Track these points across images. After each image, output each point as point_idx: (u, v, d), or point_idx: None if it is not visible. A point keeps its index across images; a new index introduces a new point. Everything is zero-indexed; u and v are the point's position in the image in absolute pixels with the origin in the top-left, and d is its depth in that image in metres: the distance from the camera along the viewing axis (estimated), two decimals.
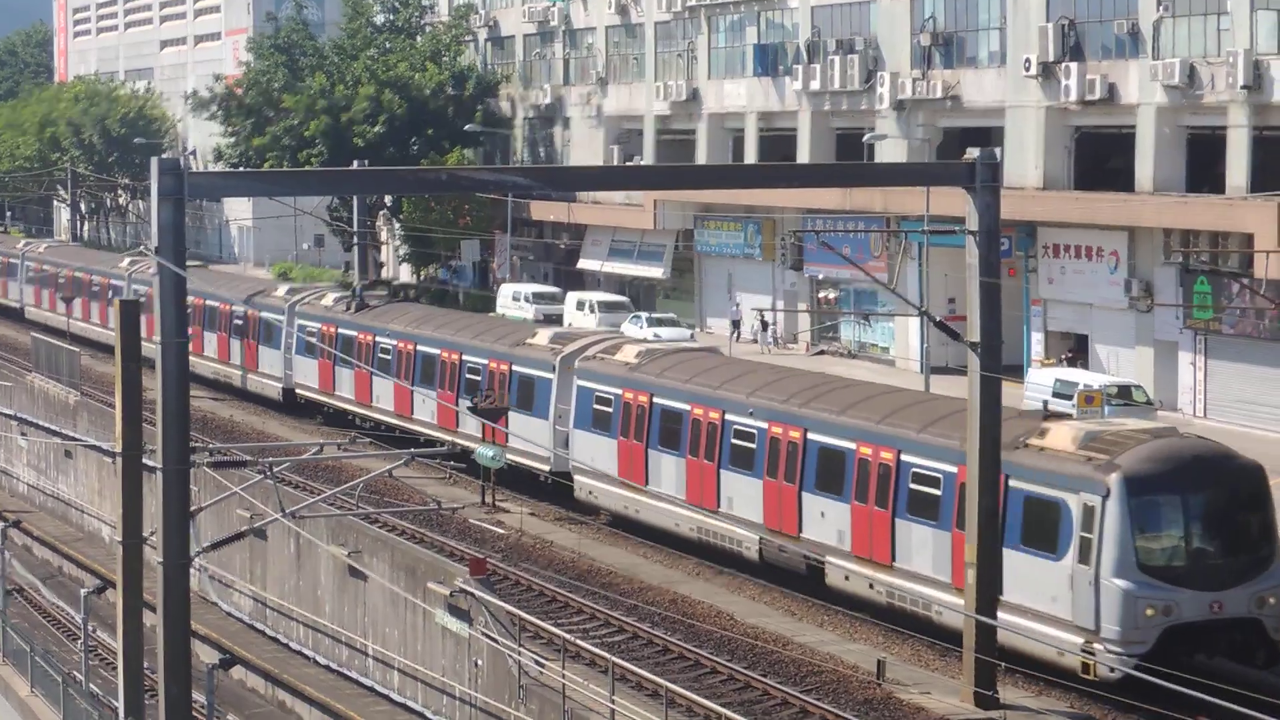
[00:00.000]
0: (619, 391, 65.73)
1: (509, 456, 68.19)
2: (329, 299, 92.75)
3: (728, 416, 60.59)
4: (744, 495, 59.25)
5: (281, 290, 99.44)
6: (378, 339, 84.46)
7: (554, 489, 69.81)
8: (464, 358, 76.97)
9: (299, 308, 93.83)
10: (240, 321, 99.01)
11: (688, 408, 62.42)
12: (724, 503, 60.28)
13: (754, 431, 58.97)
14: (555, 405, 69.47)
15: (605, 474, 65.53)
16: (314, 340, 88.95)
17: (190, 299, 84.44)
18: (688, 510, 61.80)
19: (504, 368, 73.82)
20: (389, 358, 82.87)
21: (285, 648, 60.66)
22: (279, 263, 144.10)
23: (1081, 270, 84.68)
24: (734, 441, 60.09)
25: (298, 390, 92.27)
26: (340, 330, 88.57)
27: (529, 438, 68.87)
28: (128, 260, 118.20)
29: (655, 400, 64.27)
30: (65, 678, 53.35)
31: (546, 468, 69.49)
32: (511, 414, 70.34)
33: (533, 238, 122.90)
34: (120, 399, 42.22)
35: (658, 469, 63.72)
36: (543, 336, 74.23)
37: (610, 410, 66.28)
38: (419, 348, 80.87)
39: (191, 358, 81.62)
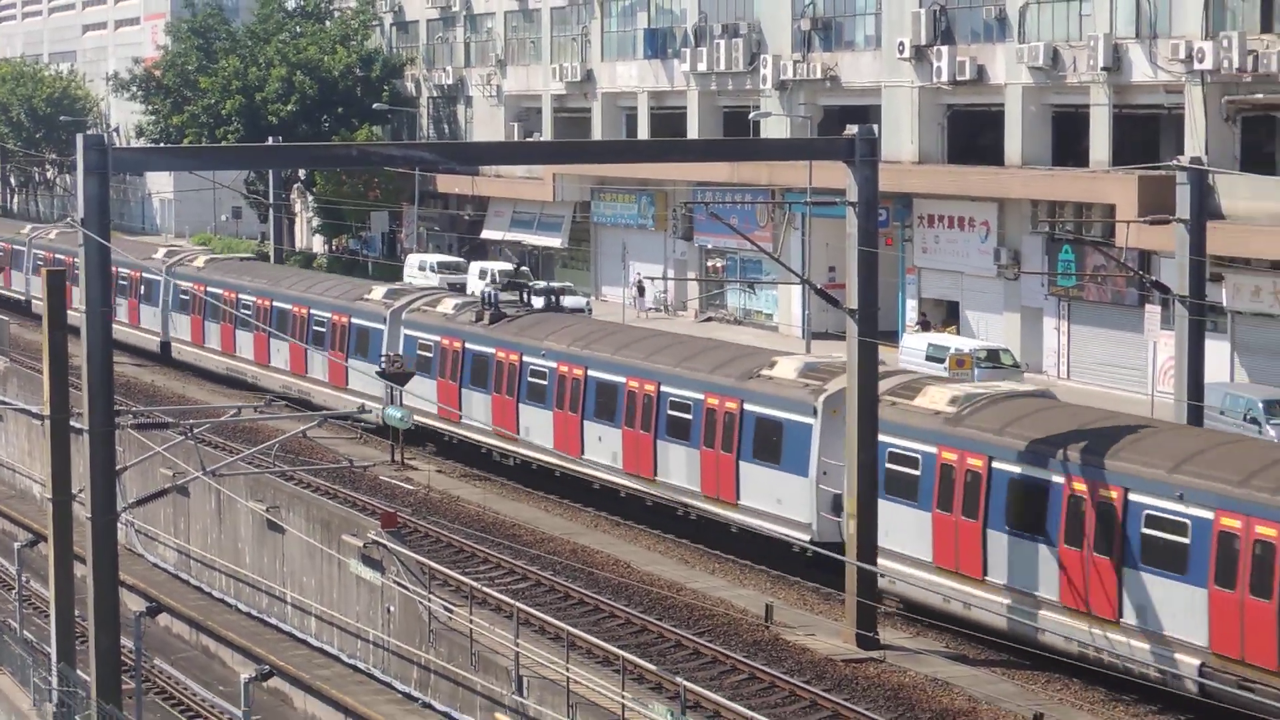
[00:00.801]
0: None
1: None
2: (447, 305, 73.41)
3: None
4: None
5: (379, 292, 78.75)
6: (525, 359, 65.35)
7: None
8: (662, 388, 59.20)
9: (405, 315, 74.36)
10: (322, 329, 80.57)
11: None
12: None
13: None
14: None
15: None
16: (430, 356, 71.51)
17: (253, 298, 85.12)
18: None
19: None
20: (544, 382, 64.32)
21: (209, 596, 60.50)
22: (199, 234, 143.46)
23: (954, 240, 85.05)
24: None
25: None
26: (469, 346, 69.21)
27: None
28: (29, 229, 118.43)
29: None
30: (1, 625, 53.18)
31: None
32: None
33: (438, 210, 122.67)
34: (48, 365, 42.14)
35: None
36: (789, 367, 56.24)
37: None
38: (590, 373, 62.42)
39: (256, 369, 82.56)
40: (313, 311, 79.94)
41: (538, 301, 74.99)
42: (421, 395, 68.24)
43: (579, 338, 63.91)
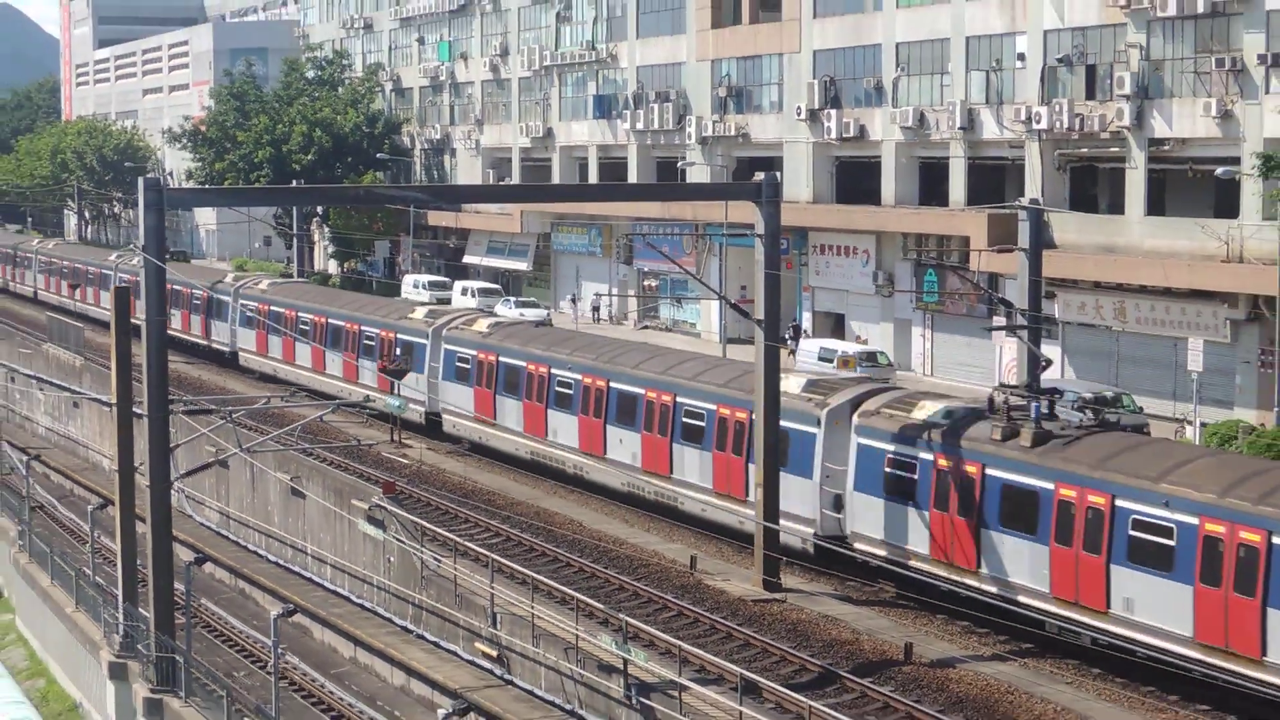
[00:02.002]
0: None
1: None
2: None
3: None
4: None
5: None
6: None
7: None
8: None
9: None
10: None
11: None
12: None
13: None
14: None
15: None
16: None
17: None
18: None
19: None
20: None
21: (244, 549, 60.47)
22: (236, 258, 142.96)
23: (841, 265, 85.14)
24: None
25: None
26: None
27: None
28: (115, 255, 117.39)
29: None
30: (77, 572, 53.03)
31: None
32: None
33: (429, 239, 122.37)
34: (115, 363, 42.03)
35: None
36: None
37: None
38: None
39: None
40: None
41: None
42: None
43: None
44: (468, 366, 66.74)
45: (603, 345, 62.96)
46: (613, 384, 57.39)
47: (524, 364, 62.73)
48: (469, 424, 66.64)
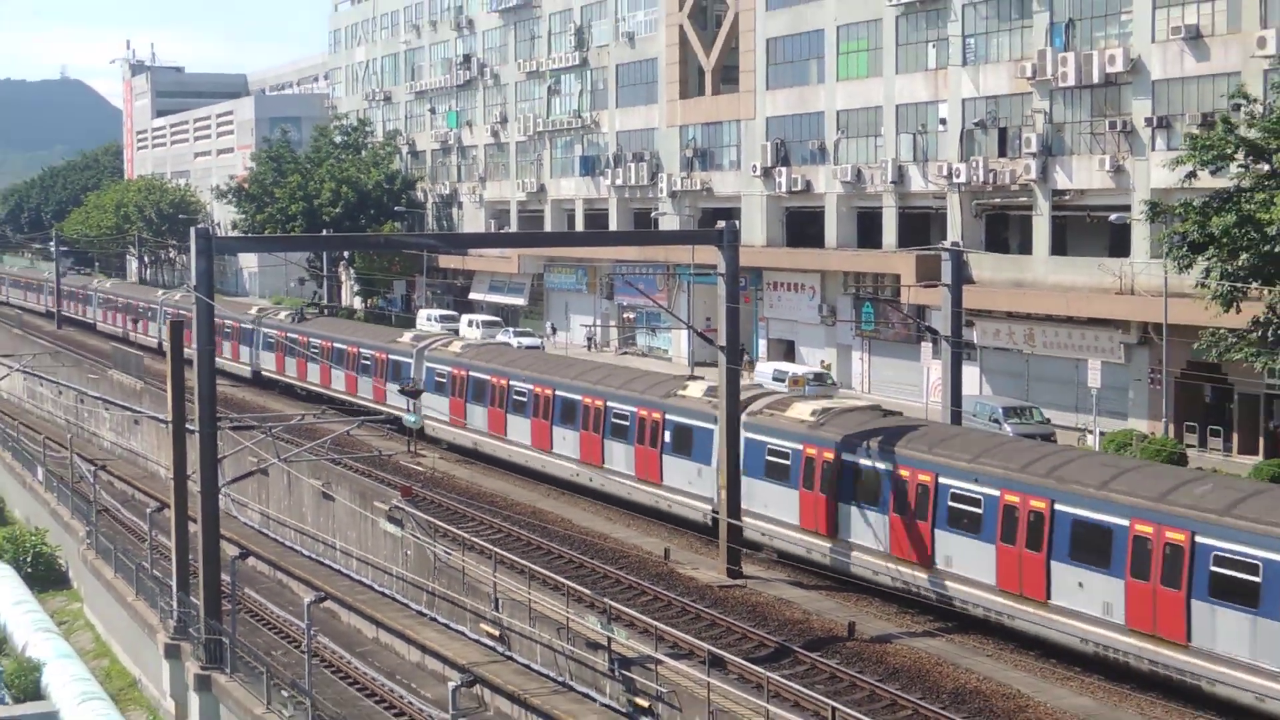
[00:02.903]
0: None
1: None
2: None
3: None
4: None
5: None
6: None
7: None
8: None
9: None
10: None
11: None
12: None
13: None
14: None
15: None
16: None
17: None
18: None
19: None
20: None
21: (282, 545, 60.15)
22: (274, 295, 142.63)
23: (791, 299, 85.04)
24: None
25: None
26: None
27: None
28: (161, 293, 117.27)
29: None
30: (137, 566, 52.65)
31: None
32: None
33: (440, 279, 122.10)
34: (170, 386, 41.72)
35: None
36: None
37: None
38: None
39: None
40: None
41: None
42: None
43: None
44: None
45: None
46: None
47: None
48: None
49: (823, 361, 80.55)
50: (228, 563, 44.20)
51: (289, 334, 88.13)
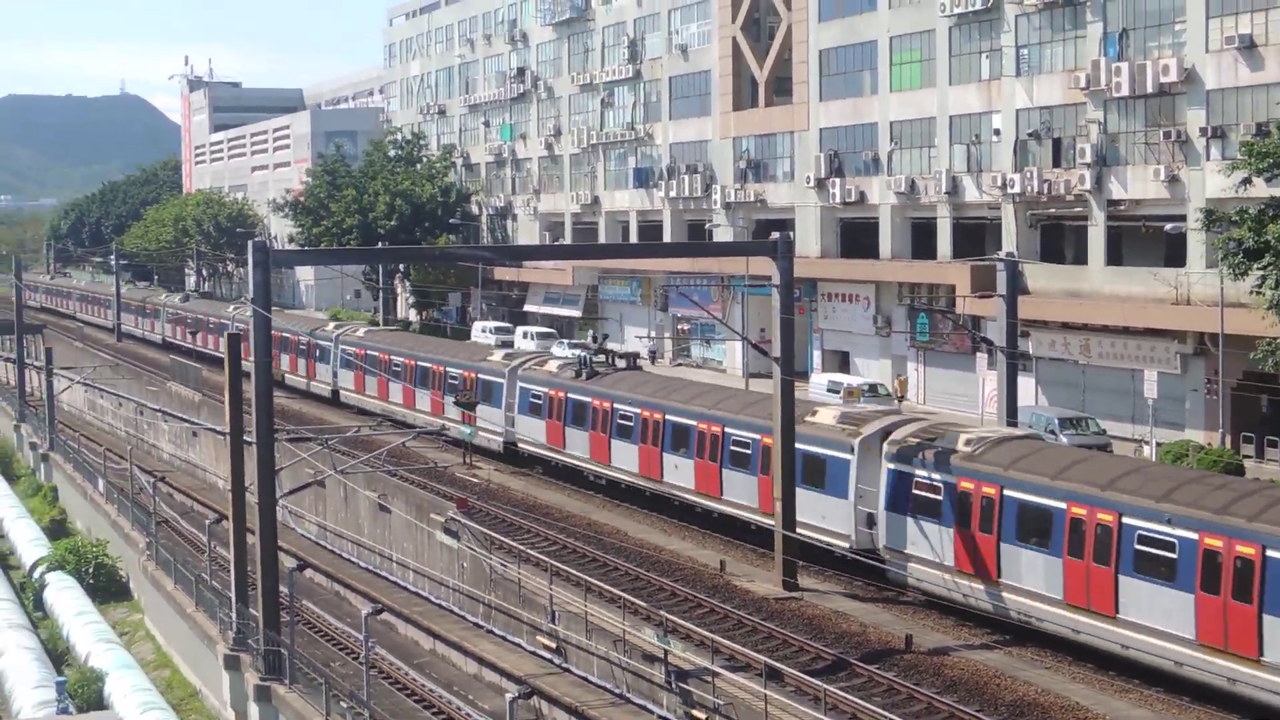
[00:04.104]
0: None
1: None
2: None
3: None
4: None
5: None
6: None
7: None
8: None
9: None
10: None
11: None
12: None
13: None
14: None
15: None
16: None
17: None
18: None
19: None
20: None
21: (339, 557, 60.24)
22: (331, 308, 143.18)
23: (845, 310, 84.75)
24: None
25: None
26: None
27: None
28: (233, 308, 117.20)
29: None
30: (196, 577, 52.84)
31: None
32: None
33: (495, 291, 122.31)
34: (228, 398, 41.84)
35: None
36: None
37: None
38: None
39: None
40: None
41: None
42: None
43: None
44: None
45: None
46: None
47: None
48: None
49: (898, 378, 79.55)
50: (286, 574, 44.27)
51: (369, 351, 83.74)
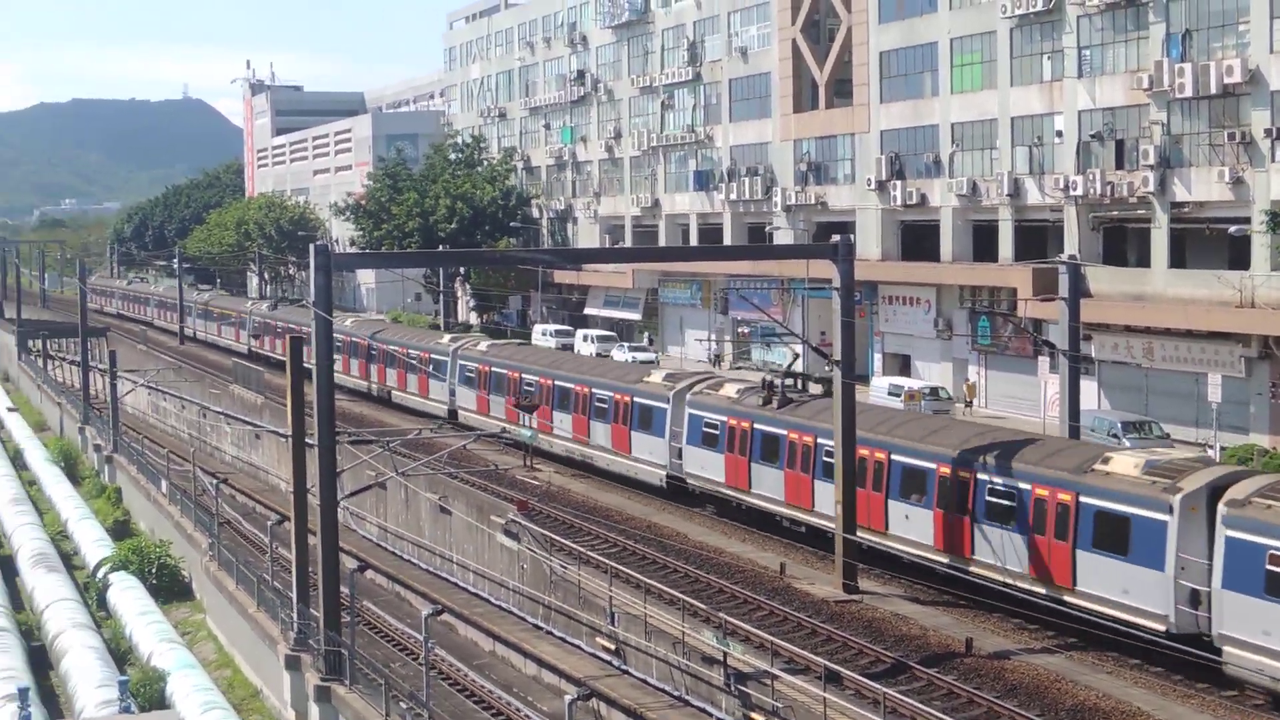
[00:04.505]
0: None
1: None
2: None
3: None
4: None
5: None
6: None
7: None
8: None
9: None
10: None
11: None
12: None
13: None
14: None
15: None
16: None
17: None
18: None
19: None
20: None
21: (399, 558, 60.41)
22: (391, 311, 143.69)
23: (906, 313, 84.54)
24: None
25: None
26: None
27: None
28: (250, 303, 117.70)
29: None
30: (258, 578, 53.08)
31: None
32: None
33: (555, 294, 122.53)
34: (290, 401, 42.05)
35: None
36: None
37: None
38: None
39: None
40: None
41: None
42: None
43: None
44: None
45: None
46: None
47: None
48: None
49: (967, 382, 79.12)
50: (347, 575, 44.43)
51: (494, 368, 75.22)
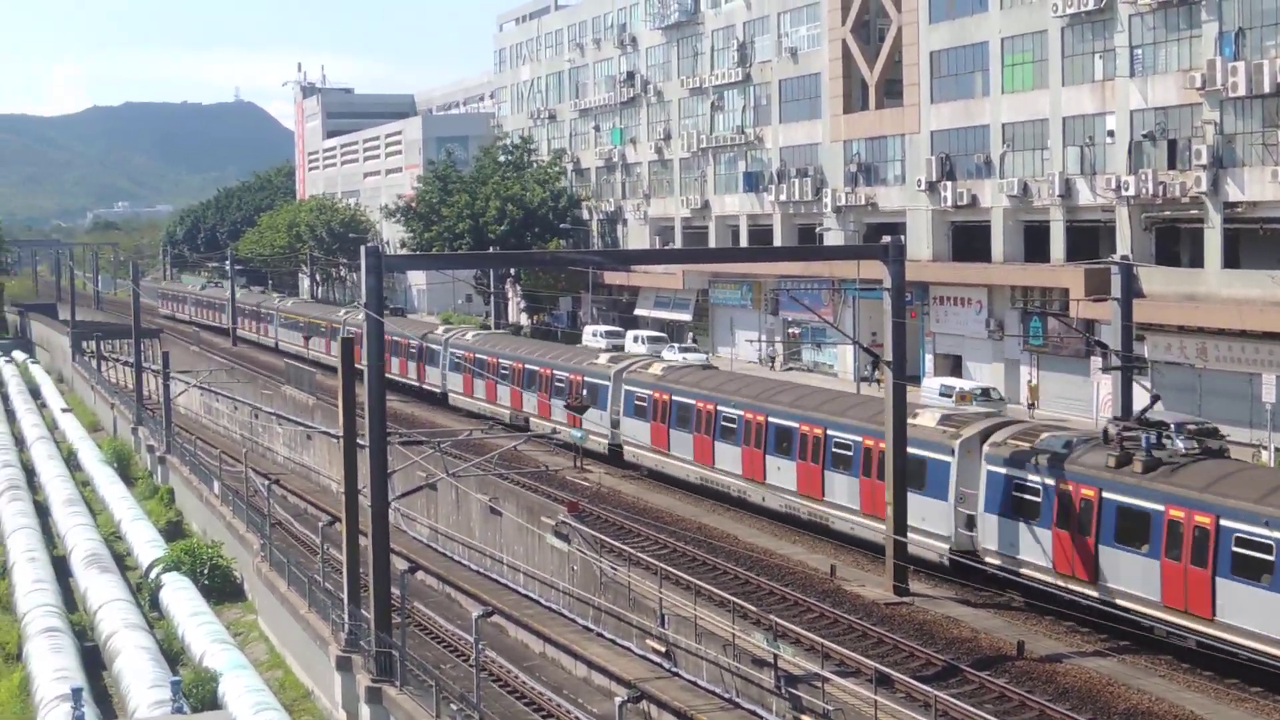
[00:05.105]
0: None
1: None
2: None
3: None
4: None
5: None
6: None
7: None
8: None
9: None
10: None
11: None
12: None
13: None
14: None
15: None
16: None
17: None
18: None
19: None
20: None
21: (450, 559, 60.59)
22: (443, 312, 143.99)
23: (957, 313, 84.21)
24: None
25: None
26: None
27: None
28: (344, 311, 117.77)
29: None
30: (309, 579, 53.29)
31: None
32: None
33: (605, 295, 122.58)
34: (341, 402, 42.20)
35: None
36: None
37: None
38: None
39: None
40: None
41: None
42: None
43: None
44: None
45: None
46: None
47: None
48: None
49: (1029, 383, 78.57)
50: (397, 576, 44.59)
51: (675, 396, 63.84)
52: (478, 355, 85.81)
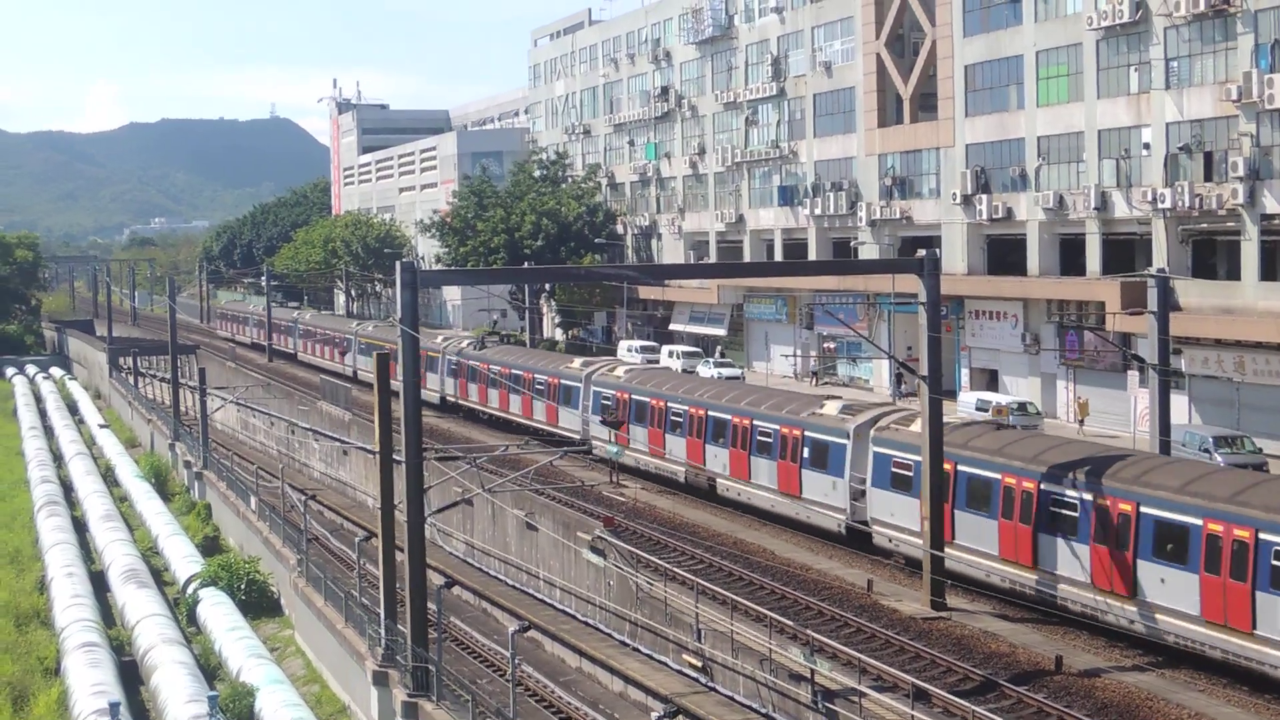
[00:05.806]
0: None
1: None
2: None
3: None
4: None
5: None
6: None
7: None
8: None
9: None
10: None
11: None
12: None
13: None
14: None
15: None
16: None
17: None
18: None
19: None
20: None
21: (486, 574, 60.59)
22: (478, 327, 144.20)
23: (993, 327, 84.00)
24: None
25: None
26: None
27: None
28: (355, 324, 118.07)
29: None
30: (346, 594, 53.37)
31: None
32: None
33: (640, 310, 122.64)
34: (378, 418, 42.27)
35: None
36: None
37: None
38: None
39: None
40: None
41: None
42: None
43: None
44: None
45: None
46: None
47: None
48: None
49: (1079, 400, 77.95)
50: (434, 591, 44.61)
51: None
52: (634, 397, 69.75)
